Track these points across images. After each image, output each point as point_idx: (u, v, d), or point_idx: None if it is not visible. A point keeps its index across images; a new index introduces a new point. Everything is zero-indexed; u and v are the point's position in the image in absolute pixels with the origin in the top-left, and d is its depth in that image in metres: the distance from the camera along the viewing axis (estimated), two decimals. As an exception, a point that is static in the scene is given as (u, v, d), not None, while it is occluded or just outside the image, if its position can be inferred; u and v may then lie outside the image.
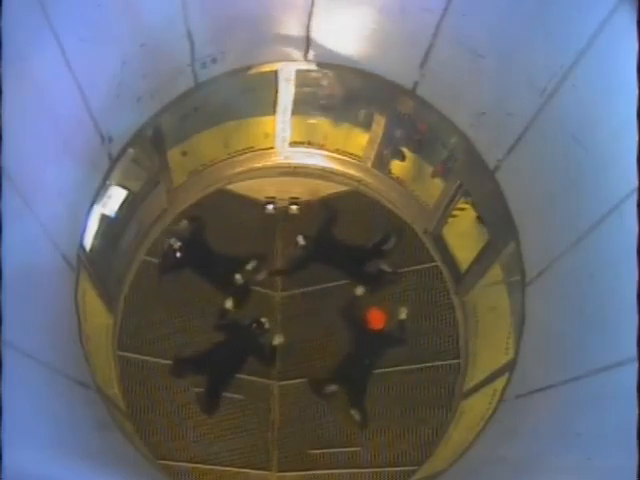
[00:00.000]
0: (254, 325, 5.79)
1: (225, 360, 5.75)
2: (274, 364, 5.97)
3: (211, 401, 5.72)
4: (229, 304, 5.88)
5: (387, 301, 6.14)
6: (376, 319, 5.79)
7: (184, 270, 6.04)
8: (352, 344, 5.87)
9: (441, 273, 6.17)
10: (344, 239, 6.24)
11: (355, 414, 5.79)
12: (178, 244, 5.98)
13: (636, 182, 2.95)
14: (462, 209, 5.67)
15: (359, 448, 5.86)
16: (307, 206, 6.61)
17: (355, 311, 5.93)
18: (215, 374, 5.73)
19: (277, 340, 5.86)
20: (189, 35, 4.45)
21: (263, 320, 5.83)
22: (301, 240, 6.24)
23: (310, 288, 6.27)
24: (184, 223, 6.21)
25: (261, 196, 6.55)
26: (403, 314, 5.82)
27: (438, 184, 5.79)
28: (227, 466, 5.78)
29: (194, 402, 5.75)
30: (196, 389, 5.79)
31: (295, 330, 6.13)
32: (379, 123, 5.81)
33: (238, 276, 6.05)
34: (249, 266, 6.14)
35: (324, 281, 6.26)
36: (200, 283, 6.04)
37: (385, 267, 6.16)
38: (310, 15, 4.66)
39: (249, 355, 5.82)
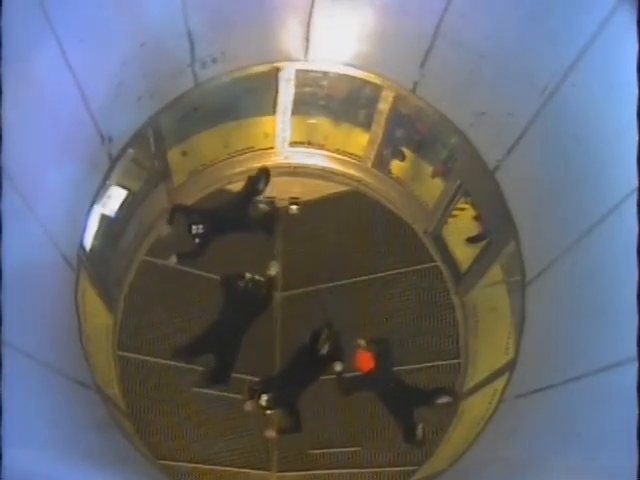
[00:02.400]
0: (249, 284, 5.78)
1: (228, 329, 5.71)
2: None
3: (224, 372, 5.67)
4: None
5: (387, 301, 6.15)
6: (364, 362, 5.75)
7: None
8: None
9: (441, 273, 6.16)
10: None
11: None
12: (200, 228, 5.88)
13: (636, 182, 2.95)
14: (462, 209, 5.67)
15: (359, 448, 5.86)
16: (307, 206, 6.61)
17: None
18: (222, 347, 5.67)
19: (273, 270, 5.89)
20: (189, 35, 4.45)
21: (248, 276, 5.82)
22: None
23: (310, 288, 6.26)
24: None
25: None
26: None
27: (438, 184, 5.79)
28: (227, 466, 5.79)
29: (203, 379, 5.71)
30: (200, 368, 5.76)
31: (295, 330, 6.13)
32: (379, 123, 5.81)
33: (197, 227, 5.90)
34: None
35: (324, 281, 6.26)
36: (200, 283, 6.04)
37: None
38: (310, 15, 4.66)
39: (253, 312, 5.81)
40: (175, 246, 6.02)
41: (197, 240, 5.90)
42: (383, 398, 5.78)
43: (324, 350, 5.71)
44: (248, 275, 5.83)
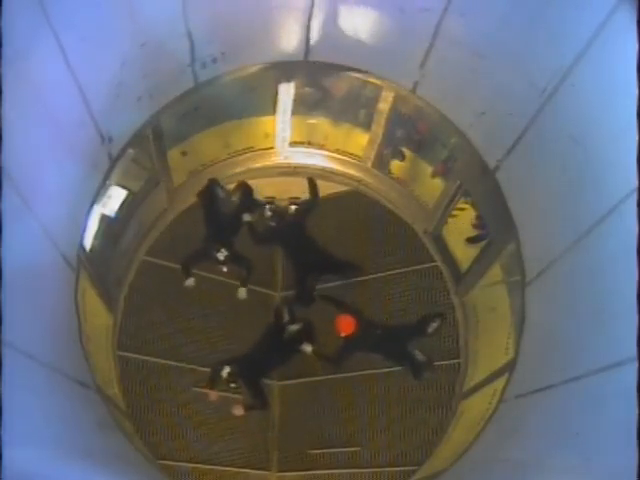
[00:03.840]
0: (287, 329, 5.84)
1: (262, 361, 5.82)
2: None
3: (259, 397, 5.73)
4: None
5: (387, 301, 6.15)
6: (345, 325, 5.80)
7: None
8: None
9: (441, 273, 6.16)
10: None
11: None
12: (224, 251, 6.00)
13: (636, 182, 2.96)
14: (462, 209, 5.68)
15: (359, 448, 5.86)
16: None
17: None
18: (253, 374, 5.76)
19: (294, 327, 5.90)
20: (189, 35, 4.45)
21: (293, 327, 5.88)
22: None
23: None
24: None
25: (261, 196, 6.54)
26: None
27: (438, 184, 5.79)
28: (227, 466, 5.79)
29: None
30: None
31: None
32: (379, 123, 5.81)
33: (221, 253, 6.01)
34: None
35: (324, 281, 6.27)
36: (200, 283, 6.05)
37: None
38: (310, 15, 4.66)
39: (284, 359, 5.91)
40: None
41: (225, 269, 6.04)
42: (375, 350, 5.86)
43: (291, 331, 5.82)
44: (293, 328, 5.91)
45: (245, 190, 6.28)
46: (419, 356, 5.74)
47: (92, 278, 4.80)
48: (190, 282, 5.98)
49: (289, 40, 4.97)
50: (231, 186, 6.32)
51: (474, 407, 5.30)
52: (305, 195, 6.44)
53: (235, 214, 6.21)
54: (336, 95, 5.71)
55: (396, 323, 6.00)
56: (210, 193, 6.15)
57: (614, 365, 3.20)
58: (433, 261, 6.21)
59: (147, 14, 4.05)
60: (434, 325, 5.80)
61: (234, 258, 6.05)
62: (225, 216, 6.20)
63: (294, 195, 6.56)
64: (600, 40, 3.30)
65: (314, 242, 6.21)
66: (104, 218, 4.92)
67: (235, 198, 6.25)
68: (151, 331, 5.86)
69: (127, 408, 5.54)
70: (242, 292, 6.09)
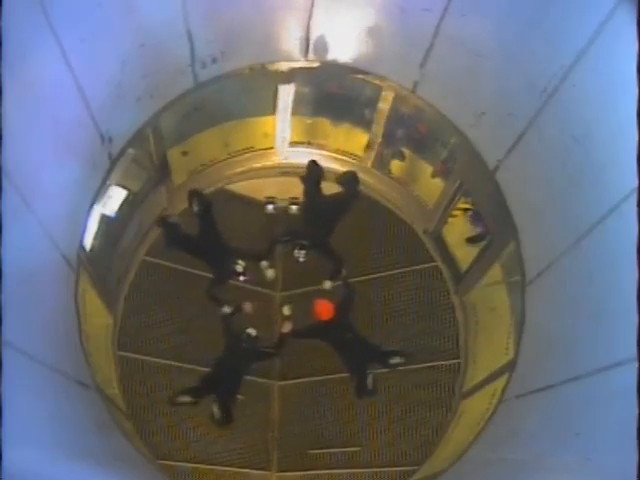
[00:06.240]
0: (244, 336, 5.81)
1: (230, 374, 5.76)
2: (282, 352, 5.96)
3: (226, 414, 5.68)
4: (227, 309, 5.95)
5: (387, 301, 6.15)
6: (324, 311, 5.86)
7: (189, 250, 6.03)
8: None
9: (441, 273, 6.15)
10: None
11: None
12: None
13: (636, 182, 2.96)
14: (462, 209, 5.67)
15: (359, 448, 5.86)
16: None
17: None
18: (224, 391, 5.71)
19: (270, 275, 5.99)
20: (189, 35, 4.45)
21: (249, 331, 5.84)
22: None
23: (309, 288, 6.26)
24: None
25: (261, 196, 6.54)
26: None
27: (438, 184, 5.79)
28: (227, 466, 5.78)
29: (208, 421, 5.71)
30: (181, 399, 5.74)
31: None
32: (379, 123, 5.81)
33: (239, 265, 6.06)
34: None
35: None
36: (200, 283, 6.05)
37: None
38: (310, 15, 4.66)
39: (253, 362, 5.86)
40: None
41: (243, 277, 6.11)
42: (338, 348, 5.88)
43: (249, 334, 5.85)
44: (251, 332, 5.86)
45: (196, 194, 6.09)
46: (369, 382, 5.77)
47: (92, 278, 4.80)
48: (226, 309, 5.98)
49: (289, 40, 4.97)
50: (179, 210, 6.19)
51: (474, 407, 5.30)
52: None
53: (203, 223, 6.07)
54: (336, 95, 5.71)
55: (371, 339, 5.95)
56: (170, 230, 6.00)
57: (614, 365, 3.20)
58: (433, 261, 6.20)
59: (147, 14, 4.05)
60: (396, 360, 5.80)
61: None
62: (200, 234, 6.06)
63: (294, 195, 6.56)
64: (600, 40, 3.30)
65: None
66: (104, 218, 4.91)
67: (195, 207, 6.03)
68: (151, 331, 5.85)
69: (127, 408, 5.54)
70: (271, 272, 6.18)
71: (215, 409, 5.62)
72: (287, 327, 6.03)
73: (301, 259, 6.19)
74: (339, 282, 6.15)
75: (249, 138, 6.13)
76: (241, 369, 5.80)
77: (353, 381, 5.85)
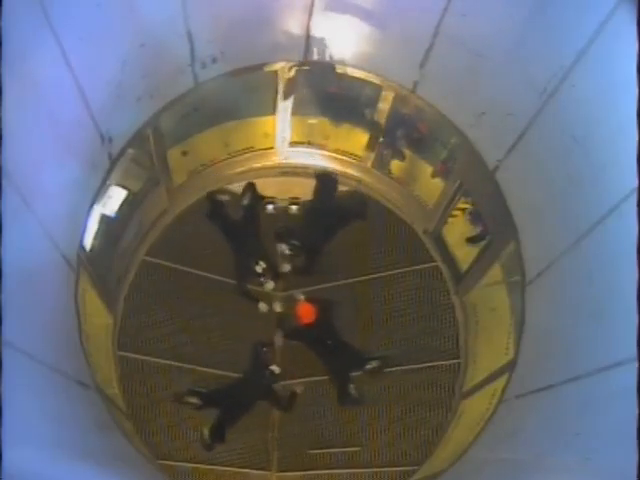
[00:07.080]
0: (267, 372, 5.85)
1: (238, 398, 5.79)
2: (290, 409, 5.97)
3: (217, 435, 5.70)
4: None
5: (387, 301, 6.15)
6: (305, 313, 5.90)
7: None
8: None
9: (441, 273, 6.16)
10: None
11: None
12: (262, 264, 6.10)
13: (636, 182, 2.96)
14: (462, 209, 5.67)
15: (359, 448, 5.86)
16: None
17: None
18: (226, 410, 5.73)
19: (299, 389, 5.96)
20: (189, 35, 4.45)
21: (273, 368, 5.88)
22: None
23: (310, 288, 6.27)
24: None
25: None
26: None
27: (438, 184, 5.79)
28: (227, 466, 5.79)
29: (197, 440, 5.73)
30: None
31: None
32: (379, 123, 5.81)
33: (260, 266, 6.13)
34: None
35: (324, 281, 6.27)
36: (200, 283, 6.05)
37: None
38: (310, 15, 4.66)
39: (261, 399, 5.86)
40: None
41: (263, 279, 6.18)
42: (320, 355, 5.93)
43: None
44: (275, 369, 5.92)
45: (252, 189, 6.28)
46: (352, 390, 5.82)
47: (92, 278, 4.80)
48: (263, 307, 6.12)
49: (289, 40, 4.97)
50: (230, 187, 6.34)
51: (474, 407, 5.30)
52: (305, 195, 6.44)
53: (247, 215, 6.22)
54: (336, 95, 5.71)
55: (370, 339, 6.00)
56: (215, 205, 6.18)
57: (614, 365, 3.20)
58: (433, 261, 6.20)
59: (147, 14, 4.05)
60: (373, 364, 5.85)
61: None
62: (240, 223, 6.20)
63: (294, 195, 6.56)
64: (600, 40, 3.30)
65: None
66: (104, 218, 4.91)
67: (245, 200, 6.23)
68: (151, 331, 5.86)
69: (127, 408, 5.54)
70: (263, 306, 6.18)
71: (205, 431, 5.67)
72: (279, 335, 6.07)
73: (286, 252, 6.23)
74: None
75: (249, 138, 6.14)
76: (250, 400, 5.81)
77: (335, 388, 5.87)
